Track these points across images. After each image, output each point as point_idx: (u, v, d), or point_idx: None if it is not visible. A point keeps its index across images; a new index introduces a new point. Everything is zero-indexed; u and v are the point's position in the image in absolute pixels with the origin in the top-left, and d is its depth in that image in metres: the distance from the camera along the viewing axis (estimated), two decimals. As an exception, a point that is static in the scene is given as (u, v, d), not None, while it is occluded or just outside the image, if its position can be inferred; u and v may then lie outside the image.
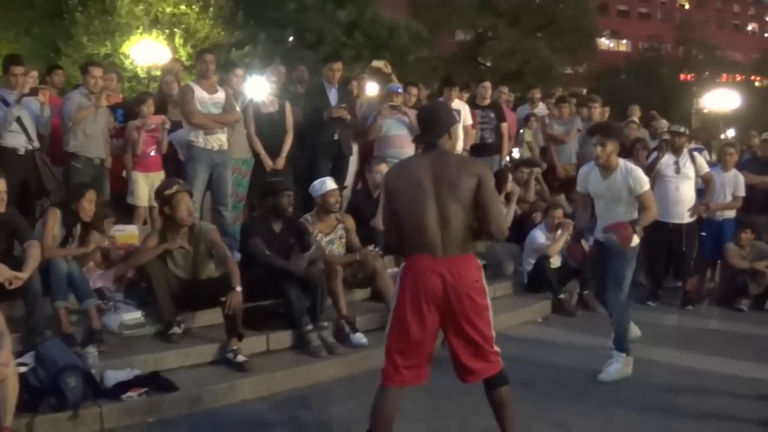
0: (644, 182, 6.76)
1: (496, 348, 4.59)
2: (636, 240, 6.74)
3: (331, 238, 8.16)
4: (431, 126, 4.60)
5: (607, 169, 6.82)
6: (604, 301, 7.12)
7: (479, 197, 4.40)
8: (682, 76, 49.12)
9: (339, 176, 9.55)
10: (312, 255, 7.42)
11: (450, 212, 4.38)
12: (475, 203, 4.42)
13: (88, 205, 6.84)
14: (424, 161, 4.51)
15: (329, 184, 8.19)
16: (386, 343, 4.59)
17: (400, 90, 10.44)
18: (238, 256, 7.54)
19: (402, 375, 4.50)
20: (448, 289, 4.38)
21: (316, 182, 8.26)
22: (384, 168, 9.11)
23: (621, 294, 6.85)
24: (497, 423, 4.66)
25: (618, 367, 6.85)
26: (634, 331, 7.42)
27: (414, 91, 10.83)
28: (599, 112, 12.43)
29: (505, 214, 10.28)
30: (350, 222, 8.36)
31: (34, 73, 9.42)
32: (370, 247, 8.13)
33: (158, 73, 18.98)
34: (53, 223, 6.65)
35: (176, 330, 6.67)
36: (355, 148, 10.23)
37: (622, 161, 6.88)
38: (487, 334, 4.52)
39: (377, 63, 11.81)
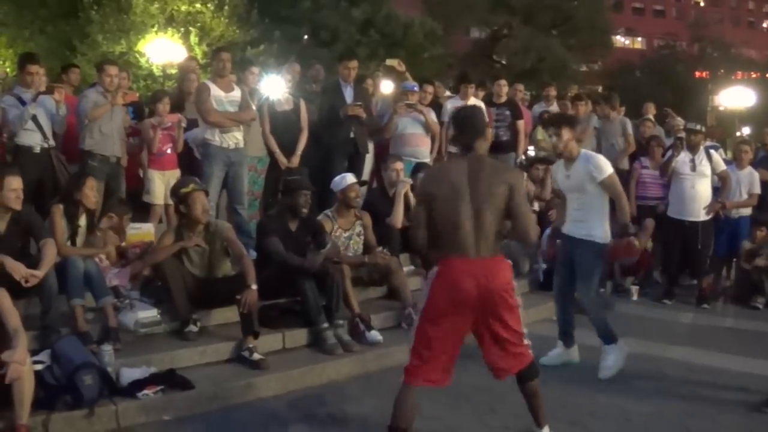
0: (605, 167, 6.64)
1: (527, 341, 4.85)
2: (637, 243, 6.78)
3: (350, 234, 8.18)
4: (468, 129, 4.84)
5: (569, 160, 6.77)
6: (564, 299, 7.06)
7: (511, 204, 4.63)
8: (697, 74, 48.86)
9: (355, 174, 9.51)
10: (328, 252, 7.43)
11: (484, 216, 4.59)
12: (507, 209, 4.64)
13: (90, 192, 6.83)
14: (462, 165, 4.72)
15: (350, 178, 8.24)
16: (413, 341, 4.72)
17: (415, 88, 10.41)
18: (253, 254, 7.54)
19: (427, 374, 4.63)
20: (482, 291, 4.54)
21: (337, 177, 8.31)
22: (400, 166, 9.17)
23: (591, 289, 6.77)
24: (530, 412, 5.00)
25: (613, 358, 6.82)
26: (573, 355, 7.26)
27: (429, 88, 10.79)
28: (616, 109, 12.23)
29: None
30: (367, 219, 8.38)
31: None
32: (380, 249, 8.14)
33: (174, 71, 19.04)
34: (59, 219, 6.65)
35: (192, 328, 6.66)
36: (370, 146, 10.21)
37: (584, 151, 6.83)
38: (518, 330, 4.76)
39: (391, 61, 11.80)
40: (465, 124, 4.86)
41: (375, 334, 7.23)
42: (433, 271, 4.71)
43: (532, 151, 12.80)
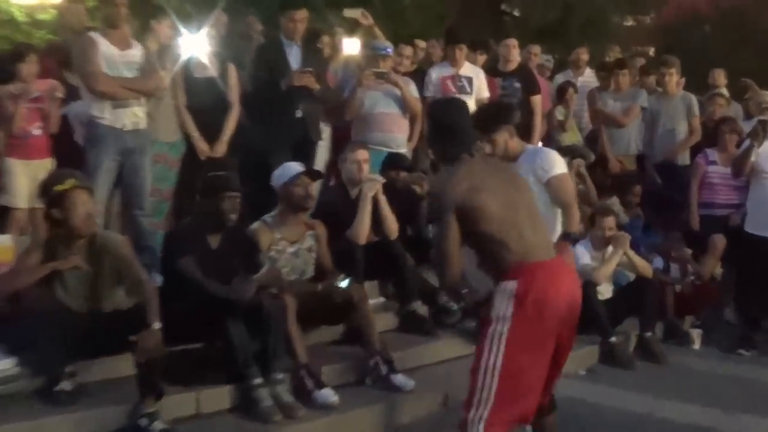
0: (557, 164, 7.11)
1: None
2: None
3: (297, 248, 8.13)
4: (459, 134, 5.34)
5: (510, 159, 7.02)
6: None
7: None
8: (791, 29, 48.96)
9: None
10: (263, 279, 7.40)
11: (535, 213, 5.27)
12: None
13: None
14: (478, 165, 5.25)
15: (295, 168, 8.21)
16: (493, 396, 4.89)
17: (389, 51, 10.47)
18: (159, 279, 7.50)
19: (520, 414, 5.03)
20: (571, 299, 5.14)
21: (278, 168, 8.29)
22: (363, 155, 9.09)
23: None
24: None
25: None
26: None
27: (408, 51, 10.89)
28: (675, 81, 12.28)
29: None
30: (322, 229, 8.39)
31: None
32: (342, 281, 8.07)
33: (46, 16, 18.85)
34: None
35: (65, 386, 6.53)
36: (325, 130, 10.26)
37: (530, 146, 7.34)
38: None
39: (352, 12, 11.84)
40: (453, 125, 5.32)
41: (327, 394, 7.17)
42: (510, 288, 4.96)
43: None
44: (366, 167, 9.10)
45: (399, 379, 7.56)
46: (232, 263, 7.43)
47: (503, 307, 4.92)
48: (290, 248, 8.10)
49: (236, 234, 7.63)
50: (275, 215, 8.16)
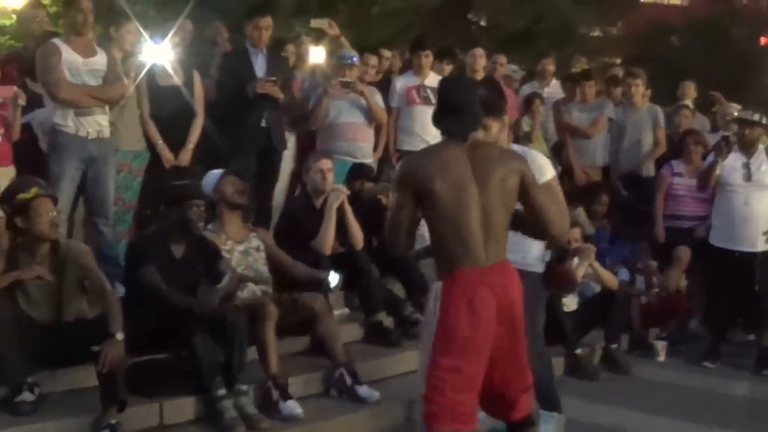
0: (547, 168, 6.79)
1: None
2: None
3: (245, 247, 8.15)
4: (467, 110, 5.44)
5: None
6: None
7: (529, 197, 5.35)
8: (764, 40, 48.57)
9: (268, 177, 9.71)
10: (227, 288, 7.43)
11: (496, 215, 5.26)
12: (524, 204, 5.39)
13: None
14: (460, 153, 5.29)
15: (218, 172, 8.30)
16: (424, 387, 5.25)
17: (355, 60, 10.50)
18: (121, 289, 7.52)
19: (454, 415, 5.20)
20: (501, 305, 5.23)
21: (207, 176, 8.33)
22: (327, 165, 9.07)
23: (538, 339, 6.99)
24: None
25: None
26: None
27: (373, 60, 10.91)
28: (641, 92, 12.35)
29: None
30: (265, 234, 8.51)
31: None
32: (329, 276, 8.16)
33: (8, 21, 18.77)
34: None
35: (27, 396, 6.51)
36: (290, 139, 10.27)
37: (516, 146, 6.98)
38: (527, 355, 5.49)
39: (318, 22, 11.84)
40: (460, 103, 5.39)
41: (293, 406, 7.19)
42: (437, 289, 5.27)
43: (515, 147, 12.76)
44: (330, 176, 9.07)
45: (363, 390, 7.59)
46: (196, 273, 7.46)
47: (431, 307, 5.27)
48: (238, 247, 8.13)
49: (200, 243, 7.63)
50: (215, 221, 8.19)
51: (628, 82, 12.41)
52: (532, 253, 6.85)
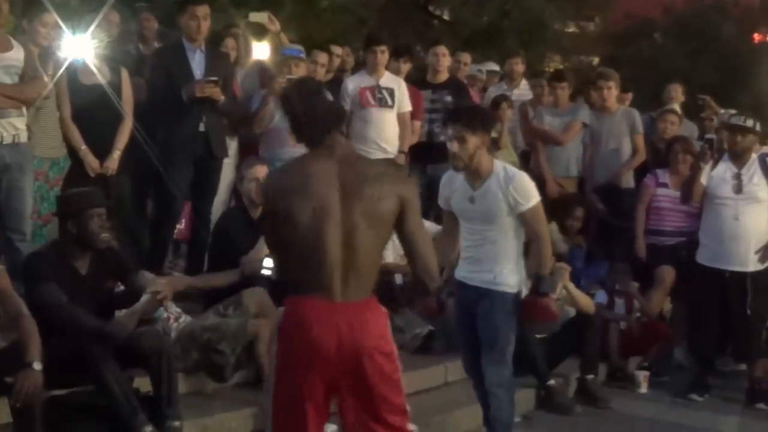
0: (533, 192, 7.10)
1: (412, 428, 5.07)
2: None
3: None
4: (321, 113, 5.03)
5: (477, 175, 7.10)
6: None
7: (403, 226, 4.97)
8: (757, 37, 48.80)
9: (205, 188, 9.59)
10: (143, 307, 7.27)
11: (360, 242, 4.87)
12: (397, 233, 5.00)
13: None
14: (329, 167, 4.94)
15: None
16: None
17: (301, 54, 10.48)
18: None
19: None
20: (345, 350, 4.81)
21: None
22: (263, 172, 8.85)
23: (504, 367, 7.20)
24: None
25: None
26: None
27: (323, 58, 10.91)
28: (615, 96, 12.30)
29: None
30: None
31: None
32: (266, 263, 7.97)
33: None
34: None
35: None
36: (231, 145, 10.23)
37: (499, 164, 7.23)
38: (402, 407, 5.01)
39: (257, 16, 11.79)
40: (313, 105, 5.02)
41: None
42: (279, 315, 5.05)
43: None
44: None
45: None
46: (105, 290, 7.37)
47: (274, 342, 5.05)
48: None
49: (108, 256, 7.45)
50: None
51: (599, 85, 12.34)
52: (503, 273, 7.06)
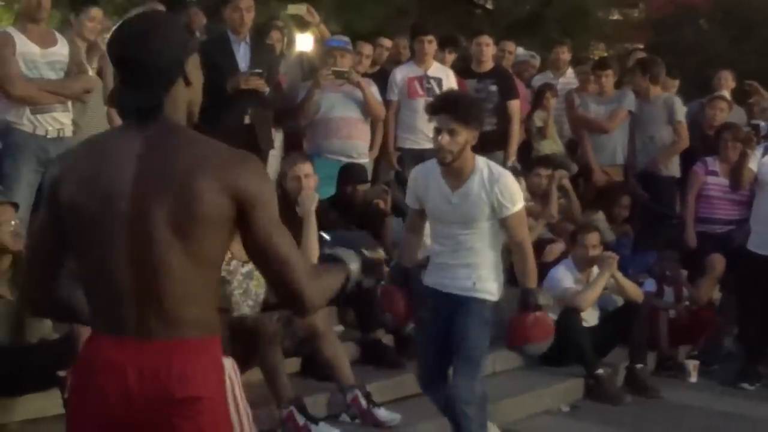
0: (518, 196, 6.69)
1: None
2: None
3: (249, 269, 8.04)
4: (144, 66, 3.41)
5: (457, 173, 6.66)
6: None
7: (248, 235, 3.43)
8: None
9: None
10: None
11: (161, 258, 3.35)
12: (244, 243, 3.48)
13: None
14: (128, 147, 3.41)
15: None
16: None
17: (346, 45, 10.49)
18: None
19: None
20: (139, 403, 3.37)
21: None
22: (306, 170, 8.82)
23: (477, 383, 6.74)
24: None
25: None
26: None
27: (367, 49, 10.92)
28: (649, 84, 12.18)
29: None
30: None
31: None
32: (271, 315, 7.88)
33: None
34: None
35: None
36: (277, 137, 10.29)
37: (482, 161, 6.73)
38: None
39: (296, 8, 11.81)
40: (138, 57, 3.40)
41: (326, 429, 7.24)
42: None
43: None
44: (310, 183, 8.75)
45: (383, 413, 7.52)
46: None
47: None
48: (242, 268, 7.93)
49: None
50: None
51: (637, 74, 12.33)
52: (482, 278, 6.69)
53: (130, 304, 3.35)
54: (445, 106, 6.62)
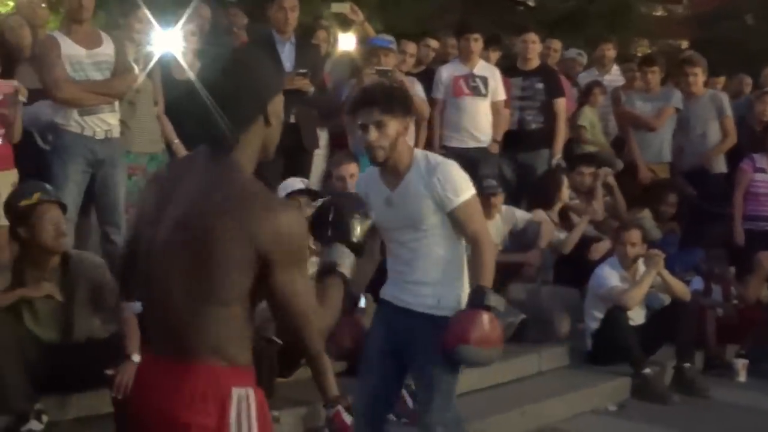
0: (462, 185, 5.84)
1: None
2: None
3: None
4: (227, 107, 3.53)
5: (394, 171, 5.92)
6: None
7: (269, 285, 3.44)
8: None
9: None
10: None
11: (170, 287, 3.48)
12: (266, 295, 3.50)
13: None
14: (188, 179, 3.55)
15: (292, 184, 8.33)
16: None
17: (390, 45, 10.47)
18: (138, 306, 7.49)
19: None
20: (158, 419, 3.55)
21: (284, 182, 8.38)
22: (352, 169, 8.88)
23: (446, 404, 5.92)
24: None
25: None
26: None
27: (411, 47, 10.91)
28: (701, 81, 12.26)
29: (564, 242, 10.38)
30: None
31: None
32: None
33: (5, 8, 18.95)
34: None
35: (34, 425, 6.53)
36: (322, 136, 10.30)
37: (420, 152, 6.06)
38: None
39: (339, 6, 11.79)
40: (221, 92, 3.54)
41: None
42: None
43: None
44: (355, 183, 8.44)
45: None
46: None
47: None
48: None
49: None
50: None
51: (686, 71, 12.27)
52: (447, 293, 5.89)
53: (156, 325, 3.60)
54: (364, 100, 5.90)
